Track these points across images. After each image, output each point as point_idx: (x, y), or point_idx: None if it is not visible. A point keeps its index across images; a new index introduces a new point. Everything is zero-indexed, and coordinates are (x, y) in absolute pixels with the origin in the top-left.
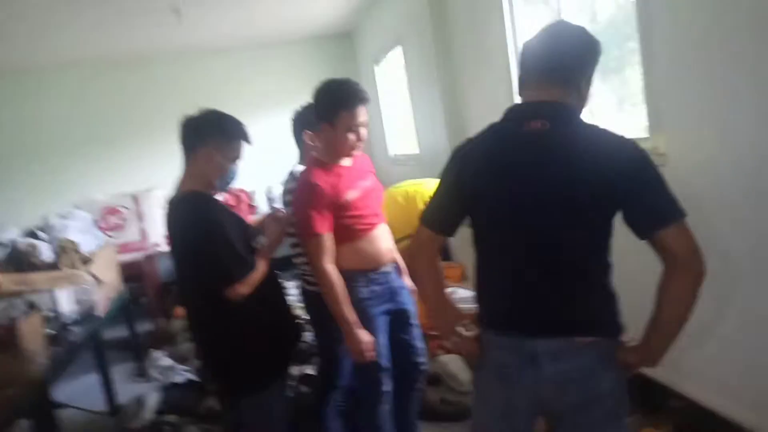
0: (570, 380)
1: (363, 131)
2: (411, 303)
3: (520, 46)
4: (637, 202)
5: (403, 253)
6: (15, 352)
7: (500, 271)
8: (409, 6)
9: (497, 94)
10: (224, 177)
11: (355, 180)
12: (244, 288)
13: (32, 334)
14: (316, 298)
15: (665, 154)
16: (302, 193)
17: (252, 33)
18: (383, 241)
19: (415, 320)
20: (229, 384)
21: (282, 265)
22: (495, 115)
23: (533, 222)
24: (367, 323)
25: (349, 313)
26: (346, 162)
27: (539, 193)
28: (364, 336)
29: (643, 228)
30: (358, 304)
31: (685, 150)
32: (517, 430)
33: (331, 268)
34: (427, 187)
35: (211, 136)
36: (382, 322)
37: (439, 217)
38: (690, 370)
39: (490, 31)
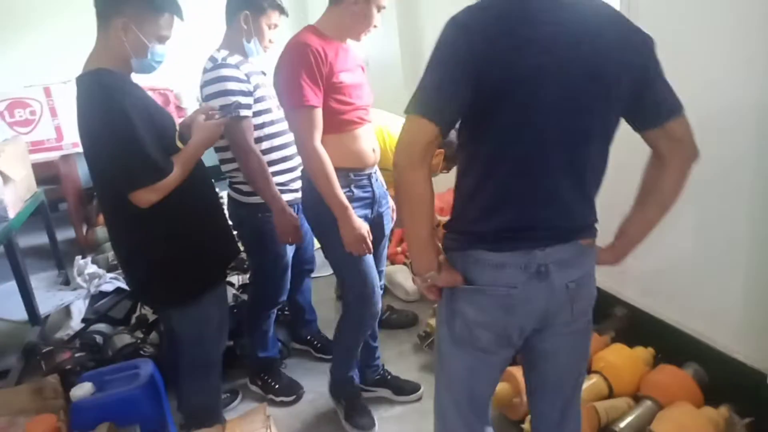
0: (579, 286)
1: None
2: (388, 219)
3: None
4: (652, 90)
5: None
6: None
7: (514, 174)
8: None
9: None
10: (146, 56)
11: (351, 63)
12: (151, 194)
13: None
14: (250, 210)
15: None
16: (293, 56)
17: None
18: (370, 140)
19: (386, 242)
20: (152, 298)
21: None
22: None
23: (567, 111)
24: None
25: (342, 196)
26: (345, 44)
27: (573, 78)
28: (361, 224)
29: (655, 118)
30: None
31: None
32: (505, 361)
33: (320, 147)
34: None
35: (131, 4)
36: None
37: (441, 104)
38: (632, 278)
39: None
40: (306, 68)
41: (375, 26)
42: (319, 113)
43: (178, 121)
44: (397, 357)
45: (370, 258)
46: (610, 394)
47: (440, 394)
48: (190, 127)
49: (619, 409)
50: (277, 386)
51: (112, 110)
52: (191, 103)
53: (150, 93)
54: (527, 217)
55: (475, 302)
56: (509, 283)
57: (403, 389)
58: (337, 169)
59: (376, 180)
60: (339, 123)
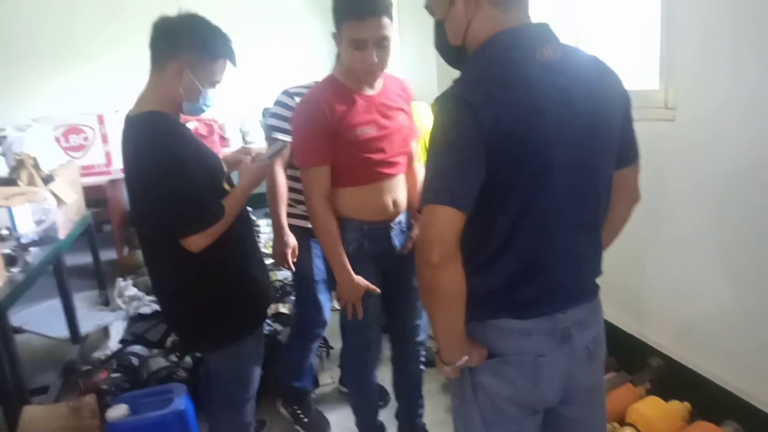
0: (597, 345)
1: (379, 51)
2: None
3: None
4: (625, 136)
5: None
6: None
7: (530, 238)
8: None
9: None
10: (195, 101)
11: (374, 114)
12: (203, 239)
13: None
14: (297, 232)
15: (675, 108)
16: (298, 114)
17: None
18: (391, 193)
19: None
20: (190, 340)
21: (253, 201)
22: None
23: (575, 173)
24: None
25: (340, 255)
26: (369, 89)
27: (573, 137)
28: (358, 284)
29: (621, 160)
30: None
31: (694, 102)
32: (537, 428)
33: (322, 205)
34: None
35: (188, 49)
36: (372, 278)
37: (464, 189)
38: (669, 327)
39: None
40: (311, 127)
41: (373, 63)
42: (323, 171)
43: (220, 153)
44: (425, 395)
45: (370, 315)
46: None
47: None
48: (232, 165)
49: None
50: (306, 420)
51: (169, 155)
52: (234, 134)
53: (196, 123)
54: (550, 281)
55: (500, 374)
56: (536, 351)
57: None
58: (351, 220)
59: (399, 232)
60: (354, 177)
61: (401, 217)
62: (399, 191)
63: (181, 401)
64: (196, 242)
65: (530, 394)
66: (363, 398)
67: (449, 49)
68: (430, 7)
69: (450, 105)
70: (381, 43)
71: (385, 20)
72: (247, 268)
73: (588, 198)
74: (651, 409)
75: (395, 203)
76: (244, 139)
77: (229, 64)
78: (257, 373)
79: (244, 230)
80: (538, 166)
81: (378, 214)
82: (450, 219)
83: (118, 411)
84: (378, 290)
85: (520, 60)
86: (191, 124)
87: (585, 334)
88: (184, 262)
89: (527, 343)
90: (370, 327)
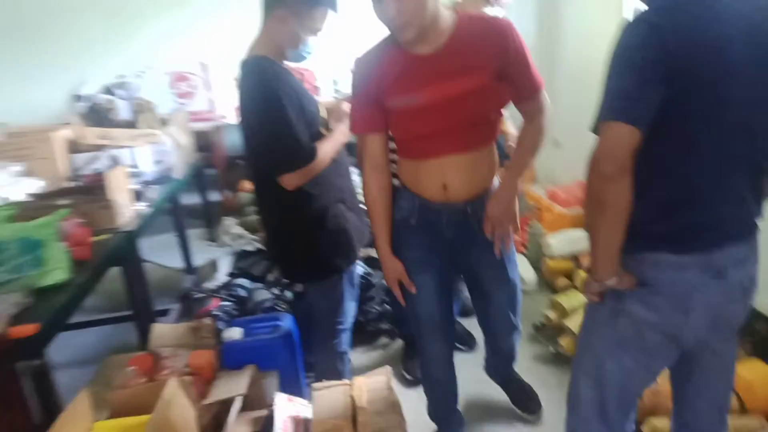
0: (752, 283)
1: (397, 2)
2: (485, 265)
3: None
4: None
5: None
6: (105, 202)
7: (695, 169)
8: None
9: None
10: (298, 47)
11: (422, 80)
12: (295, 178)
13: (118, 186)
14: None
15: None
16: (352, 77)
17: None
18: (447, 175)
19: (499, 297)
20: (293, 273)
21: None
22: (601, 15)
23: (752, 107)
24: (399, 250)
25: (378, 232)
26: (423, 47)
27: (755, 70)
28: (393, 265)
29: None
30: (395, 225)
31: None
32: (664, 365)
33: (367, 175)
34: None
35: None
36: (421, 260)
37: (643, 108)
38: None
39: None
40: (358, 92)
41: (389, 17)
42: (371, 139)
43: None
44: None
45: (423, 304)
46: (742, 412)
47: (580, 388)
48: (331, 112)
49: (751, 428)
50: (409, 363)
51: (269, 98)
52: (325, 83)
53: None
54: (708, 215)
55: (649, 303)
56: (689, 284)
57: (525, 405)
58: (407, 189)
59: (458, 222)
60: (403, 149)
61: (465, 206)
62: (453, 173)
63: (287, 328)
64: (289, 180)
65: (679, 324)
66: (430, 389)
67: None
68: None
69: (637, 27)
70: None
71: None
72: (343, 212)
73: (759, 137)
74: (751, 372)
75: (447, 187)
76: (335, 88)
77: (329, 11)
78: (352, 307)
79: (341, 177)
80: (716, 96)
81: (428, 194)
82: (628, 135)
83: (233, 333)
84: (412, 287)
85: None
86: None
87: (740, 271)
88: (288, 201)
89: (681, 276)
90: (422, 319)
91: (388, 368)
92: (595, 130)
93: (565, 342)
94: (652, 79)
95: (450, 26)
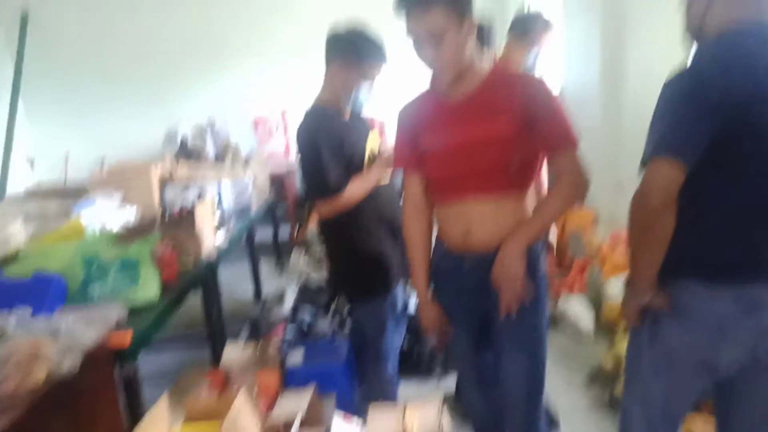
0: None
1: (434, 47)
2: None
3: None
4: None
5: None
6: (192, 231)
7: (743, 210)
8: None
9: (671, 35)
10: (352, 95)
11: (450, 123)
12: (325, 207)
13: (204, 218)
14: None
15: None
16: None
17: None
18: (467, 222)
19: (516, 369)
20: (344, 289)
21: None
22: (665, 57)
23: None
24: (435, 295)
25: (416, 271)
26: (454, 92)
27: None
28: (427, 310)
29: None
30: (432, 270)
31: None
32: (703, 387)
33: (407, 213)
34: None
35: (342, 52)
36: (451, 309)
37: (689, 148)
38: None
39: None
40: (398, 131)
41: (427, 61)
42: (409, 178)
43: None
44: (566, 387)
45: (458, 358)
46: None
47: (629, 404)
48: (379, 156)
49: None
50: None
51: (309, 141)
52: (392, 131)
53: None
54: (749, 251)
55: (684, 329)
56: (722, 316)
57: None
58: (438, 235)
59: (479, 272)
60: (433, 194)
61: (488, 256)
62: (476, 219)
63: (346, 354)
64: (320, 208)
65: (712, 352)
66: None
67: (690, 30)
68: None
69: (686, 76)
70: (434, 39)
71: (436, 13)
72: (383, 239)
73: None
74: None
75: (469, 233)
76: None
77: (381, 64)
78: (397, 332)
79: (386, 207)
80: (760, 138)
81: (451, 241)
82: (675, 171)
83: (296, 356)
84: (448, 330)
85: (751, 49)
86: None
87: None
88: (336, 227)
89: (714, 306)
90: (462, 371)
91: (440, 397)
92: (644, 165)
93: (621, 388)
94: (699, 123)
95: (482, 76)
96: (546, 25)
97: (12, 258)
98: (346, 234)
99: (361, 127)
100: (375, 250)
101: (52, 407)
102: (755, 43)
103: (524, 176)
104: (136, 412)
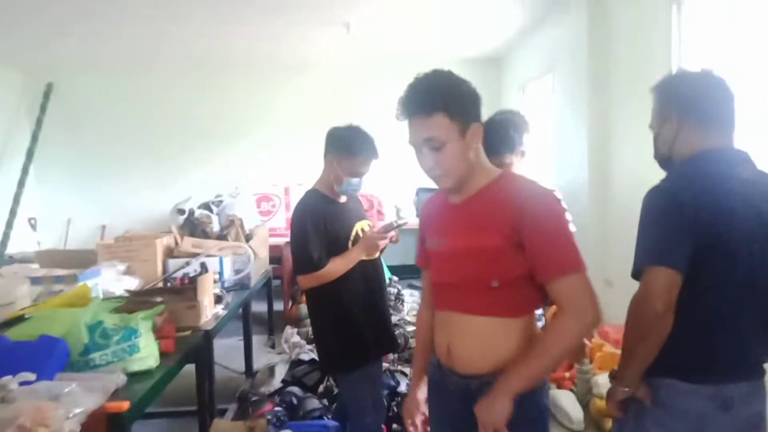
0: (759, 422)
1: (434, 153)
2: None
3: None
4: None
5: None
6: (192, 302)
7: (714, 318)
8: (567, 34)
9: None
10: (343, 185)
11: (448, 226)
12: (306, 281)
13: (205, 290)
14: None
15: None
16: None
17: (409, 49)
18: (451, 335)
19: None
20: (324, 363)
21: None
22: (647, 156)
23: (758, 267)
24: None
25: (415, 365)
26: (457, 195)
27: (758, 245)
28: (410, 401)
29: None
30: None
31: None
32: None
33: (421, 308)
34: None
35: (336, 149)
36: (435, 421)
37: (679, 253)
38: None
39: (654, 65)
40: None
41: (426, 168)
42: (424, 275)
43: (377, 224)
44: None
45: None
46: None
47: None
48: (363, 237)
49: None
50: None
51: (298, 220)
52: (389, 209)
53: (360, 197)
54: (718, 353)
55: (665, 425)
56: (700, 413)
57: None
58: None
59: (462, 396)
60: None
61: (469, 381)
62: (457, 335)
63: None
64: (302, 281)
65: None
66: None
67: (658, 156)
68: (651, 126)
69: (658, 193)
70: (432, 145)
71: (436, 121)
72: (362, 315)
73: (761, 295)
74: None
75: (449, 349)
76: (397, 214)
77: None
78: (377, 407)
79: (368, 288)
80: (728, 254)
81: (438, 352)
82: (674, 278)
83: None
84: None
85: (720, 173)
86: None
87: (747, 407)
88: (318, 301)
89: (691, 403)
90: None
91: None
92: (637, 275)
93: None
94: (679, 235)
95: (485, 182)
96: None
97: (17, 320)
98: (327, 308)
99: (353, 209)
100: (352, 324)
101: None
102: (720, 167)
103: (514, 301)
104: None
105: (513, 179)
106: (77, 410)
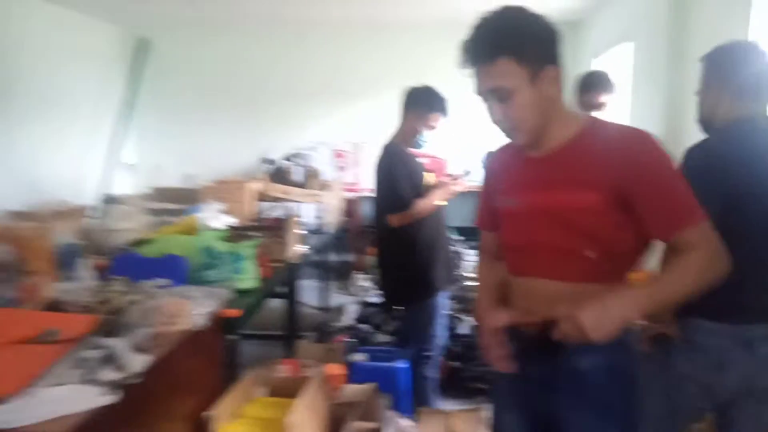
0: None
1: (501, 104)
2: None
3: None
4: None
5: None
6: (281, 239)
7: (745, 265)
8: (647, 2)
9: None
10: (416, 139)
11: (525, 182)
12: (397, 219)
13: (290, 229)
14: None
15: None
16: None
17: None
18: (533, 301)
19: None
20: (391, 296)
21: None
22: None
23: None
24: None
25: (482, 294)
26: (535, 149)
27: None
28: (487, 318)
29: None
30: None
31: None
32: (702, 409)
33: (481, 260)
34: None
35: (415, 105)
36: (507, 394)
37: (711, 210)
38: None
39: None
40: (483, 184)
41: (494, 119)
42: (486, 236)
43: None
44: None
45: None
46: None
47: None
48: (438, 184)
49: None
50: None
51: (387, 168)
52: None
53: (428, 160)
54: (743, 298)
55: (690, 358)
56: (722, 349)
57: None
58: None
59: (546, 365)
60: (504, 256)
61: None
62: (541, 303)
63: (403, 361)
64: (392, 219)
65: (713, 380)
66: None
67: (701, 120)
68: (697, 92)
69: (699, 151)
70: (498, 95)
71: (501, 66)
72: (431, 251)
73: None
74: None
75: (531, 312)
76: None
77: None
78: (438, 337)
79: (436, 227)
80: (757, 212)
81: (517, 313)
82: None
83: (359, 356)
84: (504, 353)
85: (754, 138)
86: (424, 160)
87: (766, 347)
88: (399, 243)
89: (715, 341)
90: None
91: (484, 409)
92: (689, 227)
93: None
94: (707, 193)
95: (571, 131)
96: (606, 85)
97: (142, 242)
98: (402, 246)
99: (420, 161)
100: (422, 260)
101: (182, 351)
102: (755, 134)
103: (613, 266)
104: (233, 372)
105: (607, 126)
106: (203, 310)
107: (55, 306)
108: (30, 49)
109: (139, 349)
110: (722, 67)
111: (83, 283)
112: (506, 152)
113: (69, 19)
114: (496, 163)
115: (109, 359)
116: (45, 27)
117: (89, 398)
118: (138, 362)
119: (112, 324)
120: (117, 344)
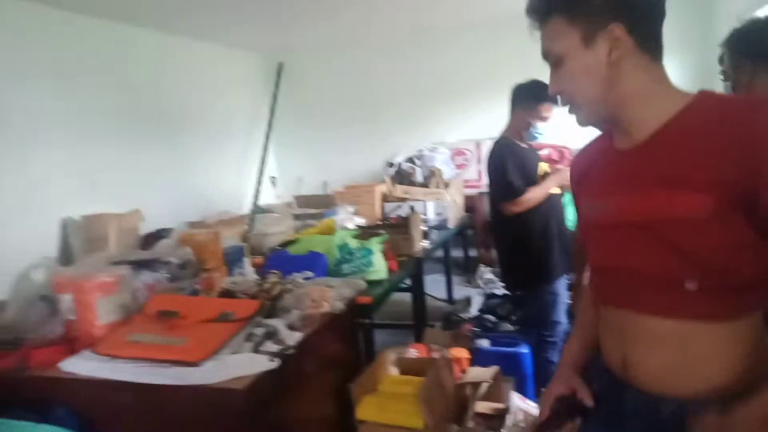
0: None
1: (556, 72)
2: None
3: None
4: None
5: None
6: (407, 235)
7: None
8: None
9: None
10: (527, 131)
11: (610, 184)
12: (509, 207)
13: (415, 226)
14: None
15: None
16: None
17: None
18: (630, 343)
19: None
20: (512, 282)
21: None
22: None
23: None
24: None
25: (566, 350)
26: (626, 137)
27: None
28: (552, 387)
29: None
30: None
31: None
32: None
33: (584, 301)
34: None
35: (524, 99)
36: None
37: None
38: None
39: None
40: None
41: (551, 91)
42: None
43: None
44: None
45: None
46: None
47: None
48: (552, 171)
49: None
50: None
51: (498, 161)
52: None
53: (550, 150)
54: None
55: None
56: None
57: None
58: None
59: (647, 418)
60: (593, 278)
61: (659, 402)
62: (639, 345)
63: (526, 346)
64: (506, 207)
65: None
66: None
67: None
68: (726, 77)
69: None
70: (552, 62)
71: (552, 26)
72: (547, 237)
73: None
74: None
75: (627, 363)
76: None
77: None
78: (559, 321)
79: (554, 219)
80: None
81: (606, 357)
82: None
83: (484, 341)
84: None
85: None
86: (545, 151)
87: None
88: (518, 231)
89: None
90: None
91: None
92: None
93: None
94: None
95: (668, 112)
96: None
97: (290, 243)
98: (521, 234)
99: (536, 153)
100: (540, 248)
101: (326, 332)
102: None
103: (725, 302)
104: (369, 354)
105: (722, 102)
106: (341, 297)
107: (227, 294)
108: (187, 83)
109: (293, 327)
110: (749, 41)
111: (247, 276)
112: (594, 146)
113: (215, 52)
114: (581, 160)
115: (271, 335)
116: (197, 63)
117: (259, 364)
118: (293, 337)
119: (271, 308)
120: (276, 323)
